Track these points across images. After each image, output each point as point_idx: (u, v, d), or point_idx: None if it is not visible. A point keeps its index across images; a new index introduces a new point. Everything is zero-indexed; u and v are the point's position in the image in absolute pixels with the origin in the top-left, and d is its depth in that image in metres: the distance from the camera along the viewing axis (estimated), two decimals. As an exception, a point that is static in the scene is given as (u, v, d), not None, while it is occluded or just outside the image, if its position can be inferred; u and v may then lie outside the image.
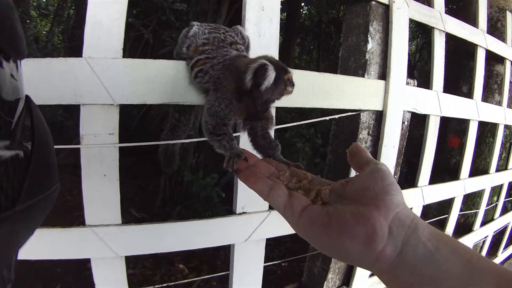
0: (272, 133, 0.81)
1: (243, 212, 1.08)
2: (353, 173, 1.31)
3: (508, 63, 2.20)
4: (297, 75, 1.08)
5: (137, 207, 2.94)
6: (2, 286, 0.36)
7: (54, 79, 0.81)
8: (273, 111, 0.83)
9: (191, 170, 3.05)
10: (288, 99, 1.06)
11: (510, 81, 2.28)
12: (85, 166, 0.90)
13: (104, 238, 0.95)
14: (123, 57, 0.88)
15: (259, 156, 0.71)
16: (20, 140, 0.36)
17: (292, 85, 0.76)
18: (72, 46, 4.96)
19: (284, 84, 0.73)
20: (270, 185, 0.54)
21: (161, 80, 0.90)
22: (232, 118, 0.74)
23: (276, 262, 1.58)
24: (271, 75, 0.67)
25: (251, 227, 1.10)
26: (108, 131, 0.90)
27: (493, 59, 2.28)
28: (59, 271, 2.14)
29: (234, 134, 0.99)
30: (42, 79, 0.81)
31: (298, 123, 1.13)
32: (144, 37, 3.18)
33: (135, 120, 3.42)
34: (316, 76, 1.12)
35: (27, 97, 0.40)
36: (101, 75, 0.85)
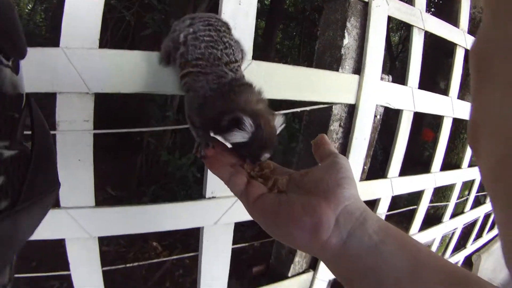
0: None
1: (213, 197, 1.14)
2: (323, 163, 1.37)
3: (487, 63, 2.26)
4: (271, 68, 1.14)
5: (114, 186, 2.99)
6: (2, 285, 0.37)
7: (32, 68, 0.83)
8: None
9: (168, 150, 3.08)
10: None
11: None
12: (61, 151, 0.93)
13: (78, 220, 1.00)
14: (100, 47, 0.91)
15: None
16: (20, 140, 0.37)
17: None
18: (54, 25, 4.90)
19: (258, 153, 0.63)
20: (231, 173, 0.58)
21: (136, 70, 0.94)
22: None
23: (243, 245, 1.66)
24: (241, 136, 0.61)
25: (220, 211, 1.16)
26: (84, 118, 0.94)
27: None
28: (34, 248, 2.19)
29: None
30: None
31: (281, 112, 1.19)
32: (126, 19, 3.17)
33: (115, 101, 3.41)
34: (290, 69, 1.17)
35: (27, 97, 0.41)
36: (78, 64, 0.88)
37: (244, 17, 1.05)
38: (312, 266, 1.63)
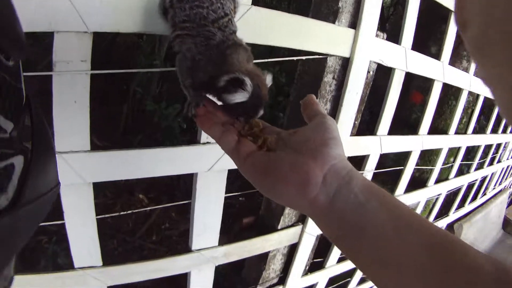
0: None
1: (207, 142, 1.14)
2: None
3: (480, 31, 2.28)
4: (269, 14, 1.14)
5: (99, 136, 2.95)
6: (3, 284, 0.37)
7: (29, 7, 0.80)
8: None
9: (154, 99, 3.06)
10: (258, 35, 1.13)
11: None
12: (57, 93, 0.91)
13: (73, 165, 0.98)
14: None
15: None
16: (20, 140, 0.37)
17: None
18: None
19: (254, 111, 0.64)
20: (222, 131, 0.60)
21: (136, 10, 0.91)
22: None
23: (236, 194, 1.70)
24: (242, 95, 0.61)
25: (214, 157, 1.16)
26: (81, 58, 0.91)
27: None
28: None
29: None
30: (18, 8, 0.81)
31: (266, 60, 1.20)
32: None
33: (102, 49, 3.35)
34: (288, 17, 1.16)
35: (27, 97, 0.40)
36: (77, 3, 0.85)
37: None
38: (301, 219, 1.68)
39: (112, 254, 2.08)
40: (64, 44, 0.88)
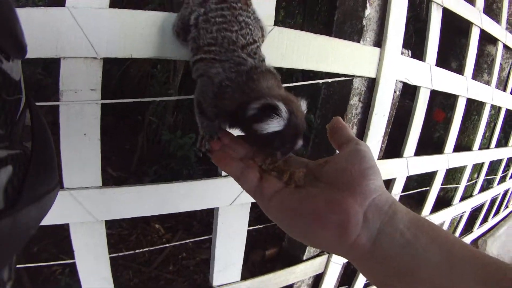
0: None
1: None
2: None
3: (500, 45, 2.21)
4: (293, 35, 1.07)
5: (114, 166, 2.92)
6: (3, 285, 0.36)
7: (34, 31, 0.75)
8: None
9: (169, 129, 3.02)
10: (281, 58, 1.06)
11: (500, 63, 2.31)
12: (64, 124, 0.84)
13: (83, 202, 0.91)
14: (110, 6, 0.81)
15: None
16: (20, 140, 0.36)
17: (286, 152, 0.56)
18: (53, 2, 4.77)
19: (293, 141, 0.56)
20: (242, 168, 0.52)
21: (149, 33, 0.85)
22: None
23: (260, 226, 1.61)
24: (277, 124, 0.53)
25: (236, 190, 1.08)
26: (90, 87, 0.85)
27: (485, 39, 2.29)
28: (36, 233, 2.12)
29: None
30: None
31: (289, 84, 1.13)
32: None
33: (115, 78, 3.33)
34: (312, 37, 1.10)
35: (27, 97, 0.40)
36: (85, 26, 0.79)
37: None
38: (327, 248, 1.59)
39: (127, 286, 2.00)
40: (71, 71, 0.82)
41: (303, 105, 0.60)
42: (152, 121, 3.10)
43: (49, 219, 0.89)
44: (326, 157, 0.50)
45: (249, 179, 0.50)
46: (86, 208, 0.92)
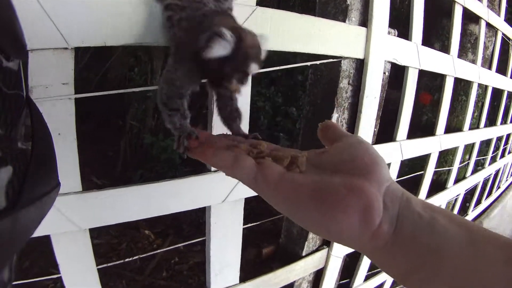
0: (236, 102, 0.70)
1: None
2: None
3: (483, 23, 2.20)
4: (277, 15, 1.01)
5: (98, 174, 2.84)
6: (2, 286, 0.36)
7: None
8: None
9: (151, 132, 2.98)
10: (267, 42, 1.00)
11: (484, 42, 2.29)
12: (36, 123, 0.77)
13: (63, 210, 0.82)
14: None
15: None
16: (21, 140, 0.37)
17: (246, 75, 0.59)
18: None
19: (244, 64, 0.57)
20: (233, 156, 0.45)
21: (125, 17, 0.77)
22: (190, 88, 0.64)
23: (255, 224, 1.54)
24: (222, 47, 0.54)
25: (228, 185, 1.02)
26: (61, 81, 0.76)
27: (467, 18, 2.28)
28: (26, 247, 2.05)
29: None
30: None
31: (275, 68, 1.06)
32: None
33: (93, 84, 3.25)
34: (298, 17, 1.03)
35: (27, 97, 0.41)
36: (52, 12, 0.70)
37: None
38: (326, 242, 1.53)
39: (122, 295, 1.92)
40: (40, 64, 0.73)
41: (264, 39, 0.61)
42: (133, 125, 3.03)
43: (28, 232, 0.81)
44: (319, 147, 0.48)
45: (246, 165, 0.43)
46: (66, 216, 0.84)
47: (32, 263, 2.04)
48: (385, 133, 1.60)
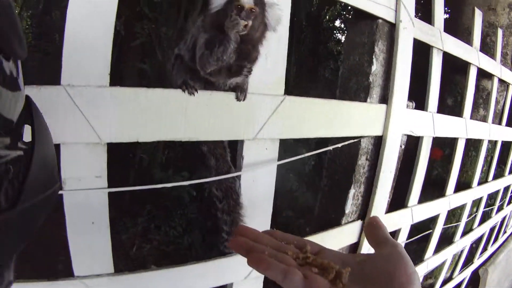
0: None
1: None
2: (350, 200, 1.28)
3: (496, 80, 2.23)
4: (304, 103, 1.03)
5: None
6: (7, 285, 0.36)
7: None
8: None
9: (161, 168, 2.96)
10: (292, 129, 1.02)
11: (495, 97, 2.31)
12: (70, 213, 0.78)
13: None
14: (111, 85, 0.76)
15: None
16: (21, 140, 0.37)
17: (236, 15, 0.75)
18: (40, 32, 4.67)
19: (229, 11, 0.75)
20: (283, 270, 0.47)
21: (155, 113, 0.80)
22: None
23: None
24: None
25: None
26: (95, 174, 0.78)
27: (480, 74, 2.30)
28: None
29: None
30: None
31: (301, 156, 1.08)
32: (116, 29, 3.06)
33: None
34: (324, 103, 1.07)
35: (27, 97, 0.41)
36: (84, 107, 0.72)
37: (276, 42, 0.94)
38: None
39: None
40: (73, 157, 0.75)
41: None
42: (143, 159, 3.01)
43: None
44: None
45: (295, 281, 0.46)
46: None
47: None
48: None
